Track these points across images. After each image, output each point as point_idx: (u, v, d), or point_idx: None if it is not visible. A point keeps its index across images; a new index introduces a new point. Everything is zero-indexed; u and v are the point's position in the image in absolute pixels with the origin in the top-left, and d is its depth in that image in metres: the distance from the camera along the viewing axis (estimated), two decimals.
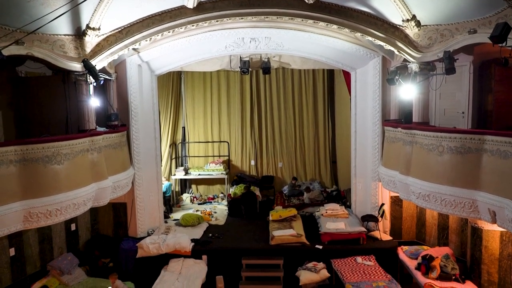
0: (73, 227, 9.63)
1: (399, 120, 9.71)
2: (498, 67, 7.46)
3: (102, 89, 9.57)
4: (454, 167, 7.05)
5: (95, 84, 8.59)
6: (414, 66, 8.42)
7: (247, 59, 10.80)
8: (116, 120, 9.61)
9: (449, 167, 7.14)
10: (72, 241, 9.62)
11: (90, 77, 8.31)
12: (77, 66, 8.25)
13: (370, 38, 8.59)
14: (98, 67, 8.51)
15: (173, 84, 14.21)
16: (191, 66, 11.12)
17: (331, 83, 14.76)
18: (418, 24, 8.10)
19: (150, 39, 8.73)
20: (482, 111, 8.18)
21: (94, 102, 8.81)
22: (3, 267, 7.77)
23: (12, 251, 7.92)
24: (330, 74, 14.60)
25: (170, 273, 8.91)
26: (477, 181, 6.72)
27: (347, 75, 11.51)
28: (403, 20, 8.15)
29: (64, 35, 8.05)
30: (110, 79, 9.71)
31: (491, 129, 7.34)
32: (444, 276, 7.80)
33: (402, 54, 8.44)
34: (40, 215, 6.91)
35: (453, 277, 7.79)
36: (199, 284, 8.56)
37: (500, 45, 5.85)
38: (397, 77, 8.79)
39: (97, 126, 9.09)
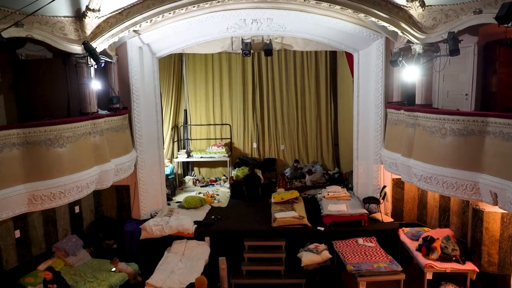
0: (77, 209, 9.72)
1: (402, 102, 9.64)
2: (503, 48, 7.38)
3: (103, 71, 9.51)
4: (457, 149, 7.03)
5: (96, 66, 8.55)
6: (417, 48, 8.31)
7: (249, 40, 10.66)
8: (117, 103, 9.58)
9: (452, 149, 7.11)
10: (76, 223, 9.73)
11: (91, 59, 8.26)
12: (77, 49, 8.19)
13: (373, 19, 8.45)
14: (98, 50, 8.45)
15: (174, 66, 14.09)
16: (192, 48, 11.00)
17: (333, 65, 14.60)
18: (422, 4, 7.97)
19: (151, 20, 8.64)
20: (486, 93, 8.12)
21: (95, 85, 8.78)
22: (9, 248, 7.88)
23: (17, 233, 8.02)
24: (332, 56, 14.43)
25: (174, 254, 9.03)
26: (479, 163, 6.70)
27: (349, 56, 11.39)
28: (407, 0, 8.01)
29: (64, 16, 7.97)
30: (111, 62, 9.65)
31: (494, 111, 7.30)
32: (445, 257, 7.87)
33: (406, 35, 8.33)
34: (44, 197, 6.95)
35: (454, 258, 7.86)
36: (202, 265, 8.68)
37: (506, 25, 5.76)
38: (400, 58, 8.69)
39: (99, 109, 9.07)
